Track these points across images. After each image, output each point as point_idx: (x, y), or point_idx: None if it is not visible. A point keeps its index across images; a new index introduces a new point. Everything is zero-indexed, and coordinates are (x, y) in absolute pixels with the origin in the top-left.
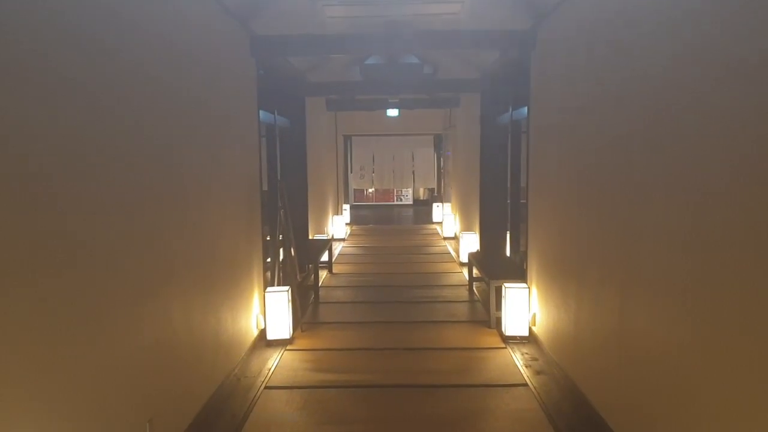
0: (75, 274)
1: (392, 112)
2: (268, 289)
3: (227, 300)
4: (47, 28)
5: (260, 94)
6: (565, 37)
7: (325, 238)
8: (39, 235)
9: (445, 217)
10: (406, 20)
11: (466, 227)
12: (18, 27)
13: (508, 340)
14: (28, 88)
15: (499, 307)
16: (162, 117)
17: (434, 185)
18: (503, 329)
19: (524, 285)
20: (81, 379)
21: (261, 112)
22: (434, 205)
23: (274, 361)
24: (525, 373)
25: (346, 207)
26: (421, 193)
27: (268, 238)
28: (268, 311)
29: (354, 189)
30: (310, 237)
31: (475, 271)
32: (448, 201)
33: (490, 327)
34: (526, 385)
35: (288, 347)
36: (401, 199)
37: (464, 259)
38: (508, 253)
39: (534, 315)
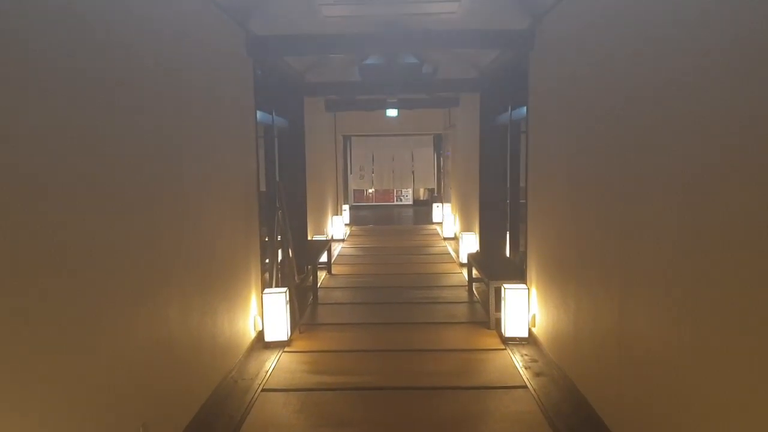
0: (70, 274)
1: (391, 112)
2: (266, 290)
3: (225, 301)
4: (43, 26)
5: (258, 94)
6: (563, 36)
7: (324, 239)
8: (32, 235)
9: (445, 217)
10: (403, 20)
11: (466, 227)
12: (17, 26)
13: (508, 342)
14: (23, 89)
15: (498, 308)
16: (157, 117)
17: (434, 185)
18: (503, 330)
19: (524, 286)
20: (72, 382)
21: (258, 112)
22: (434, 205)
23: (271, 363)
24: (524, 374)
25: (346, 207)
26: (421, 194)
27: (266, 239)
28: (266, 313)
29: (354, 189)
30: (309, 238)
31: (474, 271)
32: (447, 201)
33: (489, 328)
34: (525, 387)
35: (286, 349)
36: (401, 200)
37: (464, 259)
38: (507, 254)
39: (533, 316)
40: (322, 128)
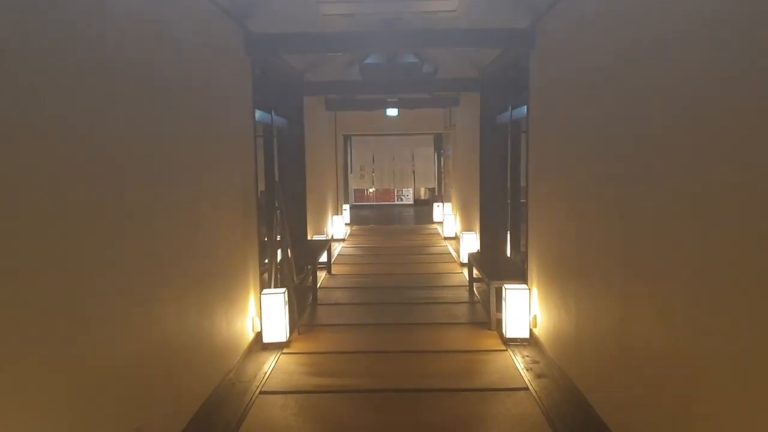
0: (59, 276)
1: (392, 112)
2: (265, 291)
3: (222, 302)
4: (33, 23)
5: (257, 93)
6: (564, 35)
7: (324, 238)
8: (18, 234)
9: (446, 216)
10: (403, 18)
11: (467, 227)
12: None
13: (509, 343)
14: (14, 88)
15: (499, 309)
16: (152, 115)
17: (434, 185)
18: (504, 331)
19: (524, 286)
20: (63, 385)
21: (257, 111)
22: (435, 204)
23: (269, 365)
24: (526, 376)
25: (346, 207)
26: (422, 193)
27: (265, 239)
28: (265, 314)
29: (354, 189)
30: (309, 237)
31: (475, 271)
32: (448, 201)
33: (490, 329)
34: (527, 389)
35: (284, 350)
36: (401, 199)
37: (465, 259)
38: (508, 254)
39: (535, 317)
40: (323, 127)
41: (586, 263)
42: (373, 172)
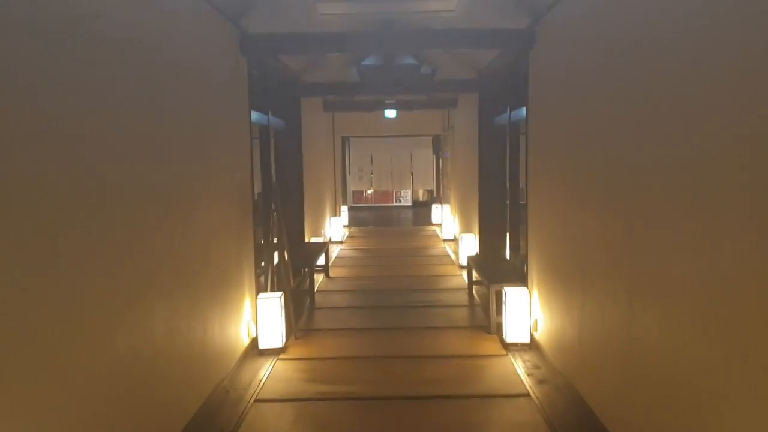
0: (42, 281)
1: (390, 113)
2: (260, 294)
3: (216, 306)
4: (30, 22)
5: (253, 94)
6: (564, 35)
7: (322, 241)
8: (3, 236)
9: (445, 218)
10: (401, 18)
11: (466, 229)
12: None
13: (509, 347)
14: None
15: (499, 312)
16: (145, 116)
17: (433, 187)
18: (504, 335)
19: (525, 289)
20: (48, 394)
21: (254, 113)
22: (433, 206)
23: (265, 372)
24: (527, 382)
25: (344, 209)
26: (420, 195)
27: (262, 242)
28: (260, 318)
29: (353, 191)
30: (307, 240)
31: (474, 274)
32: (447, 202)
33: (490, 332)
34: (528, 395)
35: (281, 356)
36: (400, 201)
37: (464, 261)
38: (508, 256)
39: (536, 321)
40: (320, 129)
41: (588, 266)
42: (372, 174)
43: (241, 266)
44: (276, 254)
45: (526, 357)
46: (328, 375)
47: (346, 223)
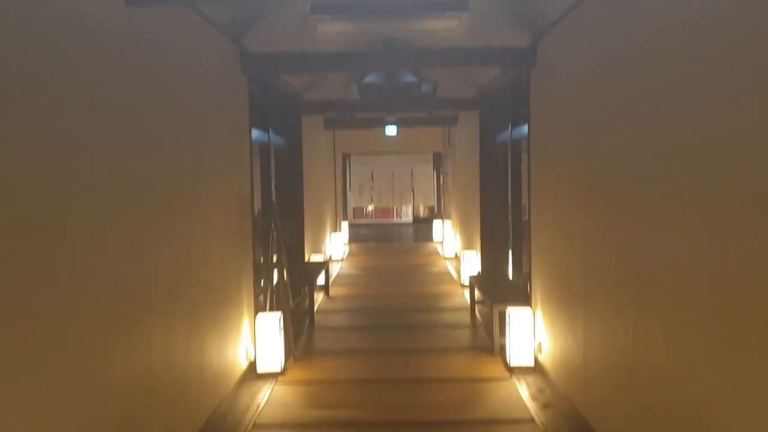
0: (31, 298)
1: (391, 131)
2: (259, 315)
3: (214, 328)
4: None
5: (254, 112)
6: (565, 53)
7: (322, 259)
8: None
9: (446, 235)
10: (401, 37)
11: (467, 245)
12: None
13: (513, 370)
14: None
15: (502, 333)
16: (144, 134)
17: (434, 203)
18: (507, 358)
19: (528, 309)
20: (39, 424)
21: (254, 130)
22: (434, 222)
23: (264, 396)
24: (531, 407)
25: (345, 225)
26: (421, 211)
27: (262, 261)
28: (259, 340)
29: (353, 207)
30: (307, 258)
31: (477, 293)
32: (448, 218)
33: (493, 354)
34: (532, 420)
35: (279, 379)
36: (401, 217)
37: (465, 279)
38: (510, 274)
39: (540, 343)
40: (321, 146)
41: (593, 286)
42: (372, 190)
43: (240, 285)
44: (275, 273)
45: (531, 380)
46: (328, 399)
47: (347, 241)
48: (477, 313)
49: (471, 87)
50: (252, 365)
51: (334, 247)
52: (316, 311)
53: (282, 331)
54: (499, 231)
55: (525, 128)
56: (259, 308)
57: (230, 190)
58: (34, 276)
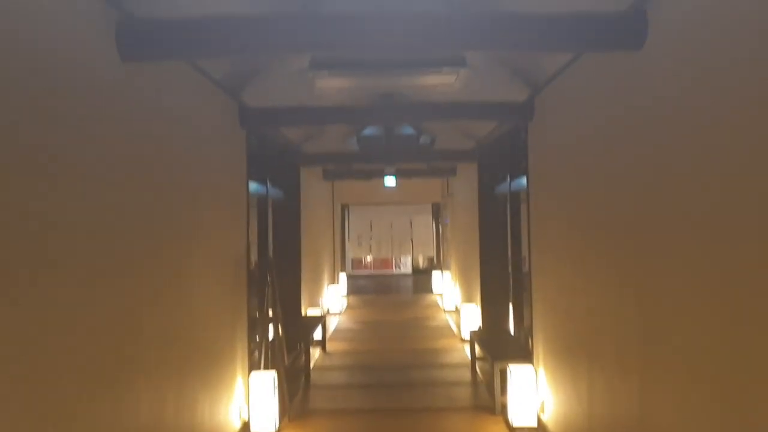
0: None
1: (390, 182)
2: (253, 373)
3: (206, 386)
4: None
5: (252, 165)
6: (562, 108)
7: (319, 313)
8: None
9: (446, 287)
10: (399, 91)
11: (467, 298)
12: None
13: (516, 431)
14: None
15: (504, 392)
16: (139, 186)
17: (433, 253)
18: (509, 418)
19: (530, 366)
20: None
21: (252, 183)
22: (434, 273)
23: None
24: None
25: (343, 276)
26: (420, 262)
27: (257, 315)
28: (252, 399)
29: (352, 258)
30: (303, 311)
31: (477, 349)
32: (447, 269)
33: (495, 414)
34: None
35: None
36: (400, 268)
37: (466, 333)
38: (512, 328)
39: (543, 402)
40: (320, 197)
41: (597, 342)
42: (371, 240)
43: (234, 341)
44: (271, 328)
45: None
46: None
47: (345, 293)
48: (478, 369)
49: (469, 139)
50: (246, 426)
51: (331, 300)
52: (313, 368)
53: (276, 390)
54: (500, 283)
55: (524, 180)
56: (253, 365)
57: (225, 244)
58: (16, 331)
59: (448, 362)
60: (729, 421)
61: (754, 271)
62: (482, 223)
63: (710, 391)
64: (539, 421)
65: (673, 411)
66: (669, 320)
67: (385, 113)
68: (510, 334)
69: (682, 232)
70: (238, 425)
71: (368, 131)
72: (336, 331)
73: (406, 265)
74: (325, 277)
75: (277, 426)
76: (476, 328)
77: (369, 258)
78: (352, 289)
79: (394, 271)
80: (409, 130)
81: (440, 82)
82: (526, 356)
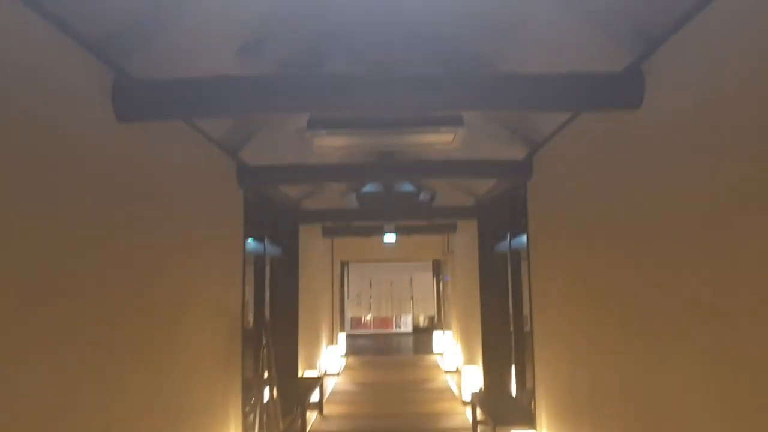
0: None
1: (389, 238)
2: None
3: None
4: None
5: (249, 222)
6: (561, 167)
7: (316, 375)
8: None
9: (446, 347)
10: (398, 150)
11: (469, 358)
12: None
13: None
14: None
15: None
16: (134, 243)
17: (434, 312)
18: None
19: (534, 431)
20: None
21: (249, 241)
22: (435, 333)
23: None
24: None
25: (342, 336)
26: (421, 321)
27: (252, 376)
28: None
29: (351, 317)
30: (300, 373)
31: (479, 412)
32: (448, 328)
33: None
34: None
35: None
36: (400, 327)
37: (467, 396)
38: (514, 390)
39: None
40: (319, 254)
41: (600, 405)
42: (371, 298)
43: (227, 405)
44: (266, 390)
45: None
46: None
47: (344, 353)
48: None
49: (469, 196)
50: None
51: (329, 361)
52: None
53: None
54: (501, 342)
55: (524, 238)
56: (247, 429)
57: (220, 303)
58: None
59: (449, 427)
60: None
61: (754, 334)
62: (483, 281)
63: None
64: None
65: None
66: (673, 383)
67: (384, 171)
68: (512, 396)
69: (686, 291)
70: None
71: (368, 188)
72: (334, 393)
73: (406, 324)
74: (323, 337)
75: None
76: (477, 390)
77: (368, 316)
78: (351, 349)
79: (394, 330)
80: (408, 187)
81: (438, 141)
82: (529, 420)
